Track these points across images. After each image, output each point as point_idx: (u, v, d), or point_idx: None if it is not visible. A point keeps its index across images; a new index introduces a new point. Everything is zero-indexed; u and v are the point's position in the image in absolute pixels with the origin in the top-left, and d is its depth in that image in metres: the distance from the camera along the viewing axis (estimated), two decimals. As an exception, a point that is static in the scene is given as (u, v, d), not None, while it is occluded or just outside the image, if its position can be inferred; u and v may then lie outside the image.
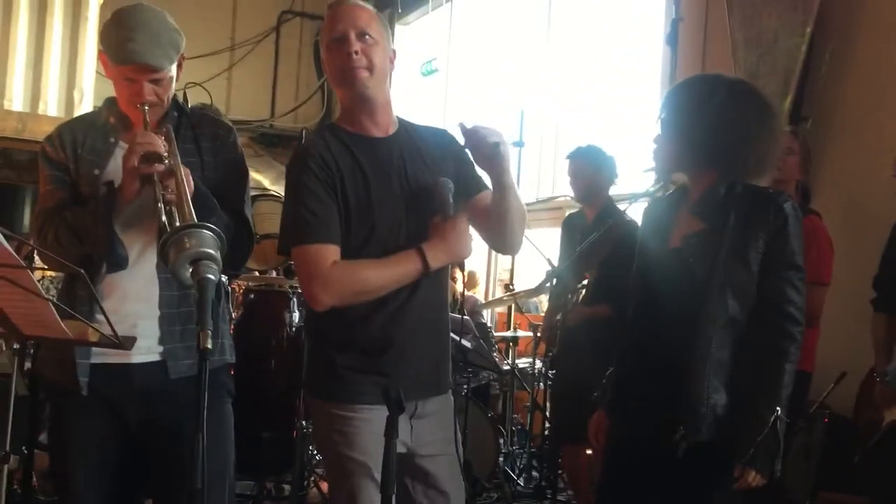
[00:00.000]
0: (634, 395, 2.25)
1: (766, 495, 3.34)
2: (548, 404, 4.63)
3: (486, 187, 2.23)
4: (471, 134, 2.02)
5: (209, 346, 1.66)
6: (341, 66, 2.07)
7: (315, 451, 4.56)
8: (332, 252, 2.04)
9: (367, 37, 2.07)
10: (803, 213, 3.44)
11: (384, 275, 2.05)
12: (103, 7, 6.49)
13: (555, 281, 4.26)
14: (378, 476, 1.86)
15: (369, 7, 2.15)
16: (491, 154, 2.03)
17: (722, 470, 2.13)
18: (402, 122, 2.24)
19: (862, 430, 3.07)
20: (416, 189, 2.13)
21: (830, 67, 4.10)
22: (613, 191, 4.24)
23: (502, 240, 2.25)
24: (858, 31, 4.02)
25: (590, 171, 4.17)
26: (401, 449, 1.99)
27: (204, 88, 6.37)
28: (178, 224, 1.89)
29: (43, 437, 3.30)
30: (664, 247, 2.26)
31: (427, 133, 2.27)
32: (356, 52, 2.05)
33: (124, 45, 2.10)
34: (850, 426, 3.28)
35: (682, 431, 2.10)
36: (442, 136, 2.28)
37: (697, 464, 2.12)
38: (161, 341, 2.19)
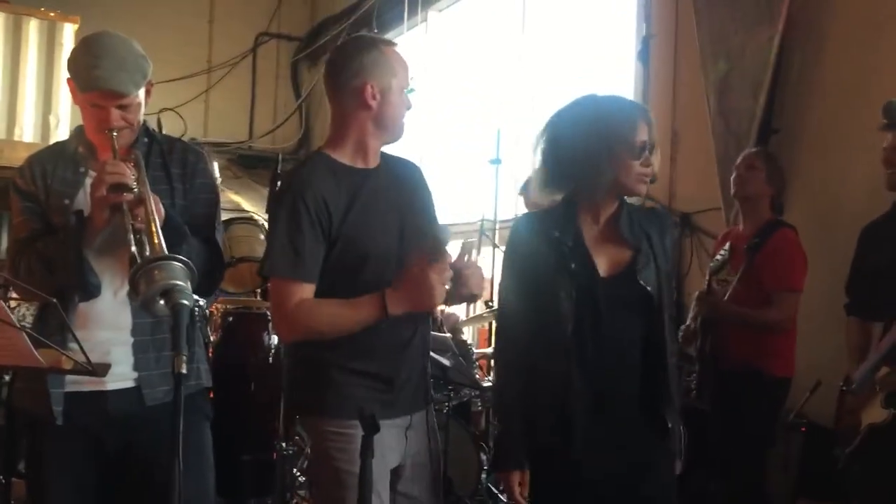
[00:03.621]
0: (598, 433, 2.20)
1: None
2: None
3: None
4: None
5: (184, 370, 1.67)
6: (402, 116, 2.24)
7: (298, 472, 4.55)
8: (302, 290, 2.12)
9: None
10: (777, 226, 3.56)
11: (341, 320, 2.12)
12: (78, 32, 6.49)
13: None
14: (377, 488, 2.02)
15: None
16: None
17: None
18: (381, 154, 2.31)
19: (841, 437, 3.10)
20: (408, 220, 2.24)
21: (799, 78, 4.16)
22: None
23: None
24: (826, 42, 4.08)
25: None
26: (395, 462, 2.20)
27: (178, 114, 6.36)
28: (147, 254, 1.90)
29: (22, 466, 3.27)
30: (593, 274, 2.23)
31: (401, 165, 2.37)
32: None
33: (90, 71, 2.12)
34: (829, 434, 3.30)
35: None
36: (413, 170, 2.39)
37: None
38: (135, 368, 2.19)
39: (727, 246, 3.52)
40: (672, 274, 2.37)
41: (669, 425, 2.24)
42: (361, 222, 2.17)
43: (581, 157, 2.21)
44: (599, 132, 2.20)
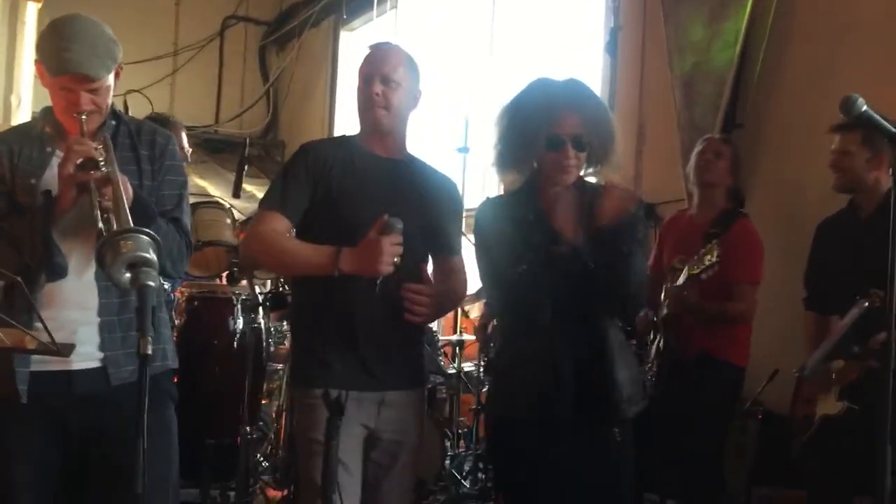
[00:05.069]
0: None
1: (705, 489, 3.46)
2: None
3: (452, 253, 2.56)
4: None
5: (149, 351, 1.69)
6: (364, 101, 2.44)
7: (261, 458, 4.56)
8: (278, 220, 2.40)
9: (391, 82, 2.40)
10: (735, 216, 3.59)
11: (299, 258, 2.39)
12: (41, 12, 6.39)
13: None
14: (344, 458, 2.19)
15: (401, 53, 2.50)
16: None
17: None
18: (410, 155, 2.55)
19: (797, 426, 3.18)
20: (394, 213, 2.33)
21: (762, 74, 4.23)
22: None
23: None
24: (788, 40, 4.15)
25: None
26: (363, 433, 2.38)
27: (144, 96, 6.28)
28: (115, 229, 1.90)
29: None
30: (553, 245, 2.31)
31: (430, 174, 2.56)
32: (377, 94, 2.40)
33: (61, 55, 2.10)
34: (784, 422, 3.39)
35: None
36: (443, 183, 2.57)
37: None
38: (101, 348, 2.19)
39: (715, 255, 3.11)
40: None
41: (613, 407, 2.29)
42: (347, 191, 2.39)
43: (517, 143, 2.32)
44: (525, 119, 2.30)
